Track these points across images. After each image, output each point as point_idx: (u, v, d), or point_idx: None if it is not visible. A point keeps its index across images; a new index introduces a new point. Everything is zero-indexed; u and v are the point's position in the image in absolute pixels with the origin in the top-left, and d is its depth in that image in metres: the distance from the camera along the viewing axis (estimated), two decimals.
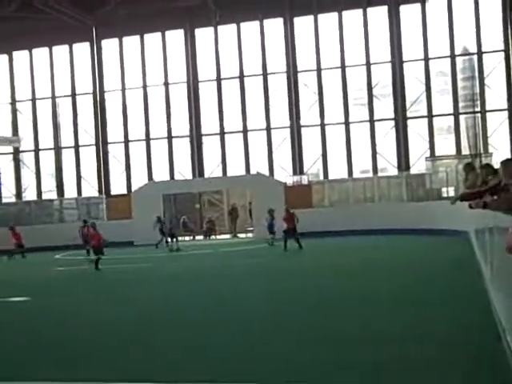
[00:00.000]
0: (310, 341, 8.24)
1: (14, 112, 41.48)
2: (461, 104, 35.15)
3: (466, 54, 34.70)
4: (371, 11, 36.39)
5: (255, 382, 6.51)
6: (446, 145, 36.14)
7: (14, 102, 41.51)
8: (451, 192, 29.83)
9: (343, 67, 36.93)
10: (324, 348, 7.81)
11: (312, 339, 8.33)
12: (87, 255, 24.76)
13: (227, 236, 36.05)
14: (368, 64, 36.65)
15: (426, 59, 35.90)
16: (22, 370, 7.63)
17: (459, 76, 35.12)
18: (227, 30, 38.22)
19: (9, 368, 7.71)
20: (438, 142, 36.17)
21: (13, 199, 40.92)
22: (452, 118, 35.84)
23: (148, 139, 39.68)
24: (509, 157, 30.41)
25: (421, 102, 36.32)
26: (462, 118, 34.59)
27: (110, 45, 39.95)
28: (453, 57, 35.49)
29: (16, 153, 41.36)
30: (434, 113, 36.10)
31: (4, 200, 41.01)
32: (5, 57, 41.23)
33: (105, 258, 20.87)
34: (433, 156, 35.17)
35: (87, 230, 23.69)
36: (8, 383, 7.02)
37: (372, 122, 36.75)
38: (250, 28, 37.96)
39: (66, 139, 40.94)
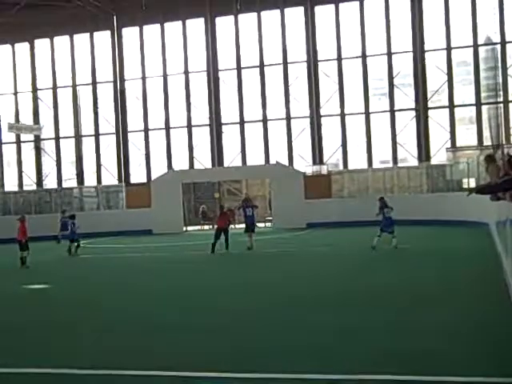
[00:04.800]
0: (326, 331, 8.22)
1: (35, 100, 41.74)
2: (483, 94, 34.75)
3: (488, 43, 34.27)
4: (393, 0, 36.10)
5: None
6: (467, 135, 35.79)
7: (35, 90, 41.76)
8: (472, 183, 29.56)
9: (364, 56, 36.67)
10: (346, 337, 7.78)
11: (328, 329, 8.31)
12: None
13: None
14: (389, 53, 36.35)
15: (448, 49, 35.51)
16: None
17: (482, 66, 34.70)
18: (248, 19, 38.09)
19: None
20: (459, 133, 35.83)
21: (33, 187, 41.20)
22: (474, 108, 35.45)
23: (168, 128, 39.74)
24: None
25: (442, 92, 35.98)
26: (484, 108, 34.22)
27: (130, 33, 39.99)
28: (475, 46, 35.05)
29: (37, 141, 41.65)
30: (456, 103, 35.74)
31: (25, 188, 41.32)
32: (26, 45, 41.45)
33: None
34: (454, 147, 34.87)
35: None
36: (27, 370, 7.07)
37: (393, 112, 36.49)
38: (271, 16, 37.79)
39: (87, 127, 41.14)
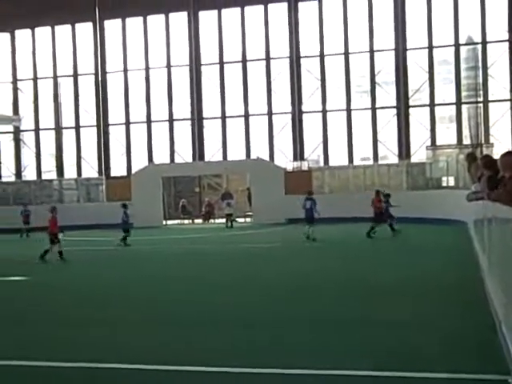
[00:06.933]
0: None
1: (15, 91, 41.37)
2: (463, 93, 35.00)
3: (470, 43, 34.52)
4: None
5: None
6: (447, 134, 36.08)
7: (15, 80, 41.38)
8: (451, 181, 29.80)
9: (346, 54, 36.79)
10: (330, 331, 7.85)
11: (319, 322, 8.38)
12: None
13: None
14: (371, 51, 36.51)
15: (430, 47, 35.75)
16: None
17: (463, 65, 34.93)
18: (231, 14, 38.04)
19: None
20: (439, 131, 36.12)
21: (12, 178, 40.88)
22: (454, 107, 35.76)
23: (149, 121, 39.60)
24: (510, 148, 30.36)
25: (423, 91, 36.22)
26: (464, 107, 34.46)
27: (112, 25, 39.75)
28: (457, 46, 35.33)
29: (16, 132, 41.30)
30: (437, 102, 36.02)
31: (3, 179, 40.98)
32: (7, 35, 41.04)
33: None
34: (434, 145, 35.09)
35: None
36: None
37: (374, 109, 36.67)
38: (254, 12, 37.77)
39: (67, 119, 40.87)
